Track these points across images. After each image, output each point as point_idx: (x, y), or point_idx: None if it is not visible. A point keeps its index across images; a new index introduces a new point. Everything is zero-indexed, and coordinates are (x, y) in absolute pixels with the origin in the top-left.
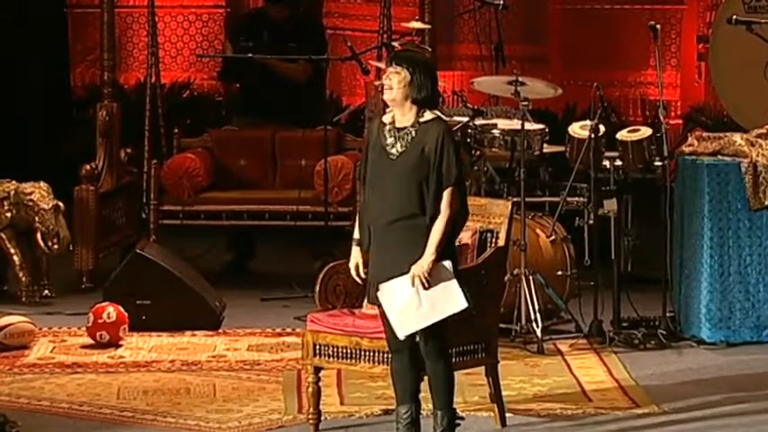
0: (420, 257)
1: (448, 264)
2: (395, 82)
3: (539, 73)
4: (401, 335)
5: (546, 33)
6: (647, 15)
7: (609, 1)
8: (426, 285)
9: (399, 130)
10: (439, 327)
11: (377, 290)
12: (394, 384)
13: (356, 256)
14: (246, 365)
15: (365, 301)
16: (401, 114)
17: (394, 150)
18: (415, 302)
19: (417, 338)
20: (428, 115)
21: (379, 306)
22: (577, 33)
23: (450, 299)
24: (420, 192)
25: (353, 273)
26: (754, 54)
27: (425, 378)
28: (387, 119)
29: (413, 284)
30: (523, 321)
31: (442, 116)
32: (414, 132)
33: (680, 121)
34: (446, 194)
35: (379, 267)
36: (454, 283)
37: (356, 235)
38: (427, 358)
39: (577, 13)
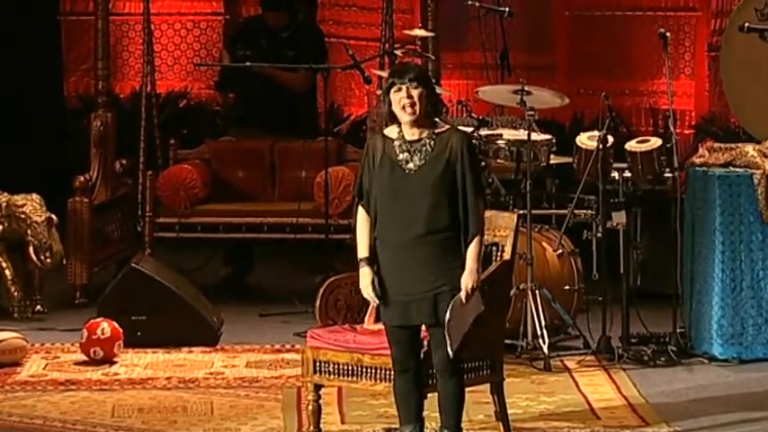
0: (450, 271)
1: None
2: (416, 97)
3: (545, 82)
4: (452, 353)
5: (553, 41)
6: (660, 22)
7: (619, 7)
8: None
9: (412, 143)
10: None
11: (400, 310)
12: (398, 404)
13: (368, 274)
14: (245, 383)
15: (366, 316)
16: (413, 128)
17: (411, 165)
18: (465, 318)
19: (422, 356)
20: (442, 125)
21: (388, 326)
22: (586, 40)
23: (475, 305)
24: (446, 204)
25: (369, 293)
26: (767, 62)
27: (428, 396)
28: (391, 133)
29: (466, 300)
30: (530, 337)
31: (451, 124)
32: (431, 144)
33: (694, 131)
34: (476, 204)
35: (399, 285)
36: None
37: (363, 254)
38: (440, 375)
39: (586, 20)
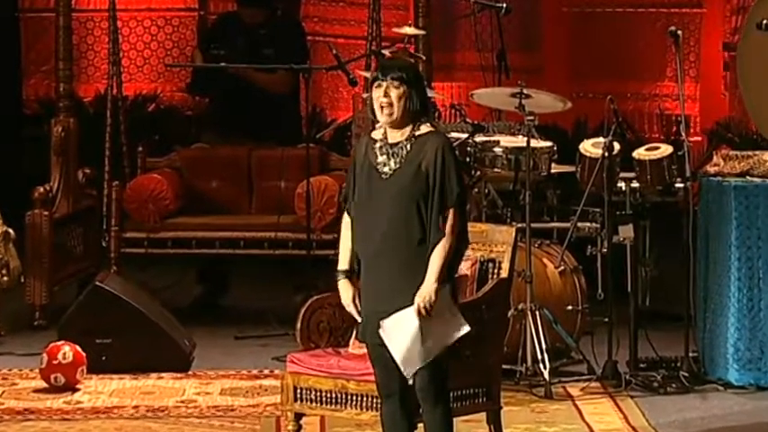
0: (419, 287)
1: (446, 289)
2: (394, 98)
3: (544, 84)
4: (409, 374)
5: (550, 40)
6: (663, 20)
7: (620, 3)
8: (430, 316)
9: (392, 146)
10: (437, 365)
11: (377, 326)
12: None
13: (347, 287)
14: (219, 411)
15: (352, 339)
16: (394, 129)
17: (386, 169)
18: (420, 336)
19: (411, 381)
20: (424, 128)
21: (368, 344)
22: (585, 39)
23: (452, 325)
24: (418, 213)
25: (350, 307)
26: None
27: (419, 425)
28: (377, 135)
29: (417, 317)
30: (529, 362)
31: (436, 126)
32: (408, 147)
33: (699, 138)
34: (448, 216)
35: (373, 300)
36: (455, 307)
37: (343, 266)
38: (423, 402)
39: (586, 18)
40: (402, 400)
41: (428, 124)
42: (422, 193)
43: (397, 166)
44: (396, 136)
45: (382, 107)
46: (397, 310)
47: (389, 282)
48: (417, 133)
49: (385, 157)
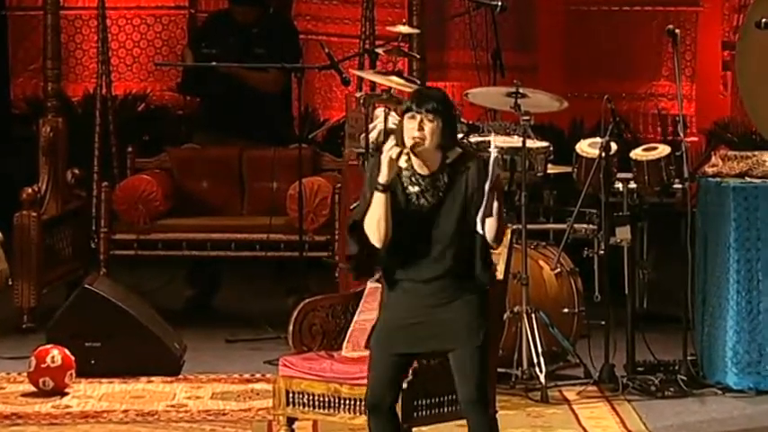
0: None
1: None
2: (428, 131)
3: (539, 83)
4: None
5: (545, 39)
6: (659, 18)
7: (616, 2)
8: None
9: (424, 177)
10: (484, 371)
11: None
12: None
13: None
14: (210, 416)
15: (345, 342)
16: (423, 158)
17: (423, 201)
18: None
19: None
20: (452, 154)
21: (378, 353)
22: (582, 38)
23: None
24: (464, 242)
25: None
26: None
27: None
28: (400, 161)
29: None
30: (525, 365)
31: (464, 147)
32: (445, 178)
33: (695, 138)
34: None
35: (404, 311)
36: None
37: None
38: (469, 413)
39: (582, 16)
40: (391, 413)
41: (455, 148)
42: (466, 222)
43: (437, 199)
44: (426, 166)
45: (414, 139)
46: (435, 322)
47: (429, 299)
48: (449, 161)
49: (417, 188)
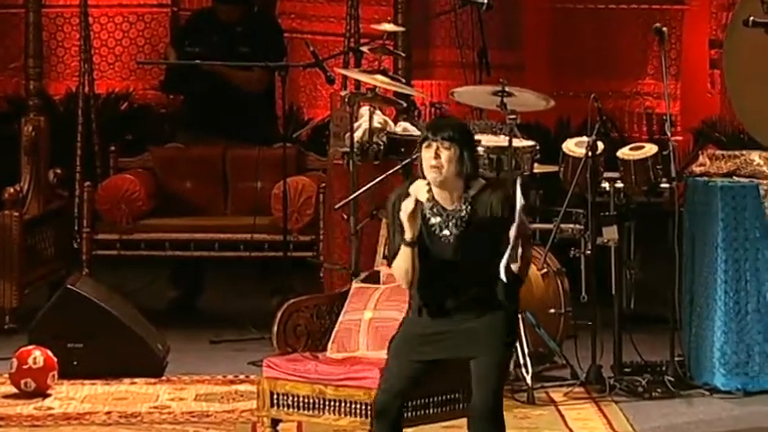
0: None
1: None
2: (444, 159)
3: (526, 82)
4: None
5: (530, 37)
6: (645, 16)
7: (602, 0)
8: None
9: (446, 209)
10: (499, 381)
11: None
12: None
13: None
14: (194, 417)
15: (330, 343)
16: (443, 189)
17: (446, 232)
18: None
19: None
20: (475, 185)
21: (396, 359)
22: (568, 37)
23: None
24: (496, 273)
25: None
26: None
27: None
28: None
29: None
30: (511, 366)
31: (488, 178)
32: (467, 209)
33: (681, 138)
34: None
35: (430, 321)
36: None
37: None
38: (479, 423)
39: (568, 14)
40: (396, 421)
41: (478, 179)
42: (494, 252)
43: (459, 231)
44: (447, 197)
45: (431, 168)
46: (462, 331)
47: (455, 316)
48: (472, 192)
49: (440, 219)
